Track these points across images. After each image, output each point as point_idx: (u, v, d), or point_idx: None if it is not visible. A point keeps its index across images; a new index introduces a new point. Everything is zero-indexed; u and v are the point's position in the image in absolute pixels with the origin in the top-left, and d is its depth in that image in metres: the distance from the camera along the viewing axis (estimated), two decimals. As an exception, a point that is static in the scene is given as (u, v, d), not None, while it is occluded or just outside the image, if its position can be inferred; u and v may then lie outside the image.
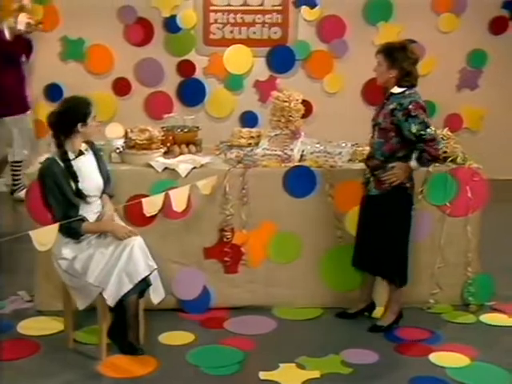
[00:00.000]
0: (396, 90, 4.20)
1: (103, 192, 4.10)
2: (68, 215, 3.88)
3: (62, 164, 3.93)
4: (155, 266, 3.98)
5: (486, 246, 4.81)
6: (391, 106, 4.18)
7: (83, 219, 3.94)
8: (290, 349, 4.18)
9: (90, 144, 4.14)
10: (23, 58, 6.60)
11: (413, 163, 4.20)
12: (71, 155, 3.98)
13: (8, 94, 6.28)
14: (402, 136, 4.17)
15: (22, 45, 6.48)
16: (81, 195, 3.94)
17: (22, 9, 6.43)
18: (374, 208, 4.32)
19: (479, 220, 4.74)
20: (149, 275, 3.95)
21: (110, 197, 4.17)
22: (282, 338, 4.36)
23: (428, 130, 4.13)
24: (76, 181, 3.94)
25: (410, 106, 4.12)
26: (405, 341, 4.32)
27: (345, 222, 4.63)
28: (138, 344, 4.09)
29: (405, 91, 4.19)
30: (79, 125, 3.95)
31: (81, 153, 4.03)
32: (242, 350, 4.15)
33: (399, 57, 4.19)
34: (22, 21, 6.39)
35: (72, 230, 3.91)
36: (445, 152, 4.62)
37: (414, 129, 4.12)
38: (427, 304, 4.73)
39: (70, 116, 3.97)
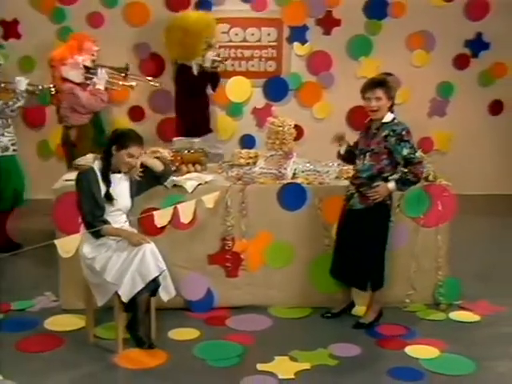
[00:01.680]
0: (387, 118, 4.21)
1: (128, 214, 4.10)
2: (93, 213, 3.92)
3: (98, 173, 3.99)
4: (164, 268, 3.98)
5: (454, 253, 4.81)
6: (384, 133, 4.17)
7: (106, 222, 3.96)
8: (283, 343, 4.16)
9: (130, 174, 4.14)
10: (209, 90, 6.58)
11: (391, 185, 4.19)
12: (111, 169, 4.04)
13: (195, 119, 6.22)
14: (392, 159, 4.17)
15: (208, 78, 6.44)
16: (109, 197, 3.96)
17: (209, 47, 6.43)
18: (357, 220, 4.30)
19: (448, 230, 4.74)
20: (158, 276, 3.95)
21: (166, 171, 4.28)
22: (277, 334, 4.35)
23: (417, 154, 4.16)
24: (108, 185, 3.98)
25: (403, 132, 4.14)
26: (384, 336, 4.31)
27: (332, 231, 4.62)
28: (149, 339, 4.08)
29: (393, 119, 4.21)
30: (113, 148, 4.01)
31: (120, 172, 4.09)
32: (242, 345, 4.14)
33: (392, 87, 4.24)
34: (209, 58, 6.38)
35: (95, 227, 3.91)
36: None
37: (405, 152, 4.12)
38: (403, 303, 4.72)
39: (111, 139, 4.07)
